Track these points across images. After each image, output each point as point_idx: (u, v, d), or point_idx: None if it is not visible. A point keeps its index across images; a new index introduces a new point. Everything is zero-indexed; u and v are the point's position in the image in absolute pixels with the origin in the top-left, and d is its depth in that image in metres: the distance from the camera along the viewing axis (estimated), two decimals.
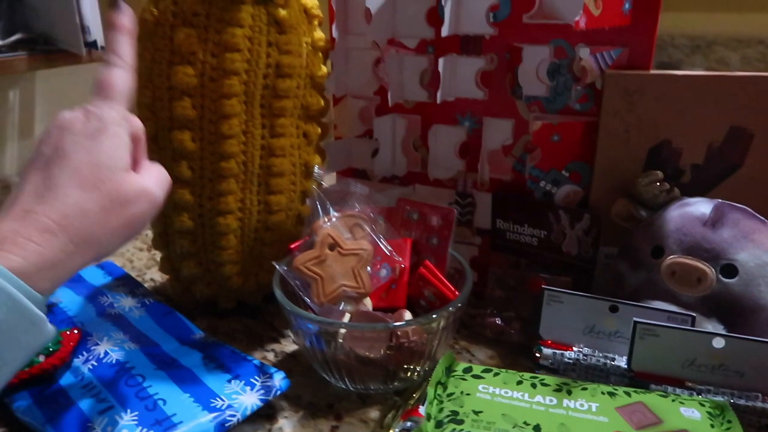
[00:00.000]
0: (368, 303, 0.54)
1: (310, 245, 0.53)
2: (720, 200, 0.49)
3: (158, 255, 0.66)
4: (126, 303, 0.62)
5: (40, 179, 0.37)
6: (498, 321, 0.59)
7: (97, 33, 0.94)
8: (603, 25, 0.49)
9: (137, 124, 0.42)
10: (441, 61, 0.56)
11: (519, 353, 0.56)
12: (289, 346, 0.60)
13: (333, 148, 0.67)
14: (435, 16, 0.58)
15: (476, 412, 0.43)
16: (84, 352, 0.53)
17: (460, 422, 0.42)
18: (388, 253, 0.55)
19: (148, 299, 0.63)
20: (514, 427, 0.41)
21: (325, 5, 0.61)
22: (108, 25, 0.43)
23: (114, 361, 0.51)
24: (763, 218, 0.48)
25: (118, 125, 0.40)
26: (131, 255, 0.80)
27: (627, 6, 0.51)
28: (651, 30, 0.51)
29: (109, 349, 0.53)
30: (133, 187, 0.39)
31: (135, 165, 0.41)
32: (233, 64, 0.52)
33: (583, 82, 0.54)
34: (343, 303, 0.52)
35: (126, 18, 0.43)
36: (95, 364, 0.51)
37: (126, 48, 0.43)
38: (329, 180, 0.72)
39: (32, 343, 0.34)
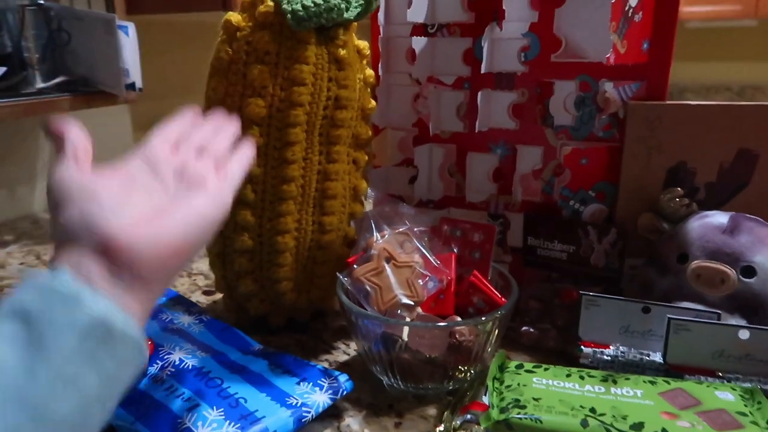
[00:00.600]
0: (420, 312, 0.59)
1: (367, 259, 0.58)
2: (734, 212, 0.56)
3: (199, 279, 0.70)
4: (184, 320, 0.66)
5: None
6: (533, 330, 0.64)
7: (135, 75, 1.00)
8: (626, 61, 0.57)
9: None
10: (479, 95, 0.63)
11: (557, 358, 0.61)
12: (341, 356, 0.64)
13: (373, 175, 0.73)
14: (470, 56, 0.65)
15: (536, 399, 0.47)
16: (158, 361, 0.57)
17: (523, 407, 0.46)
18: (436, 266, 0.60)
19: (204, 316, 0.67)
20: (572, 410, 0.46)
21: (370, 46, 0.68)
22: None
23: (190, 367, 0.55)
24: None
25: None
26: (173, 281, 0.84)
27: (645, 45, 0.59)
28: (666, 66, 0.59)
29: (183, 357, 0.57)
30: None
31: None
32: (300, 97, 0.58)
33: (606, 111, 0.61)
34: (399, 310, 0.57)
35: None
36: (173, 370, 0.55)
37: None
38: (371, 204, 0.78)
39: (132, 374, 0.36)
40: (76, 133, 0.41)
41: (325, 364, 0.62)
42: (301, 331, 0.69)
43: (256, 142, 0.58)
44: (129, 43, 0.96)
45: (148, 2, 1.06)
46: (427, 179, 0.72)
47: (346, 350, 0.65)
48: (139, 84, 1.01)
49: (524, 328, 0.65)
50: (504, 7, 0.59)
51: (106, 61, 0.97)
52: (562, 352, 0.62)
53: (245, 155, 0.48)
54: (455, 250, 0.64)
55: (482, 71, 0.62)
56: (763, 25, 2.82)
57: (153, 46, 1.30)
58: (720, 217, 0.55)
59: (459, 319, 0.58)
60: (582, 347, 0.56)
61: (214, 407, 0.49)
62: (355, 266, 0.58)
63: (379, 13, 0.67)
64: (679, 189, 0.59)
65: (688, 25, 2.96)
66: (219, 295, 0.76)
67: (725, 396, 0.48)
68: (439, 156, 0.71)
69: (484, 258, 0.62)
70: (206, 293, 0.79)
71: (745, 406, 0.47)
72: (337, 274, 0.57)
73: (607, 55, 0.53)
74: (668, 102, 0.59)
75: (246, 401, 0.50)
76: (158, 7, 1.07)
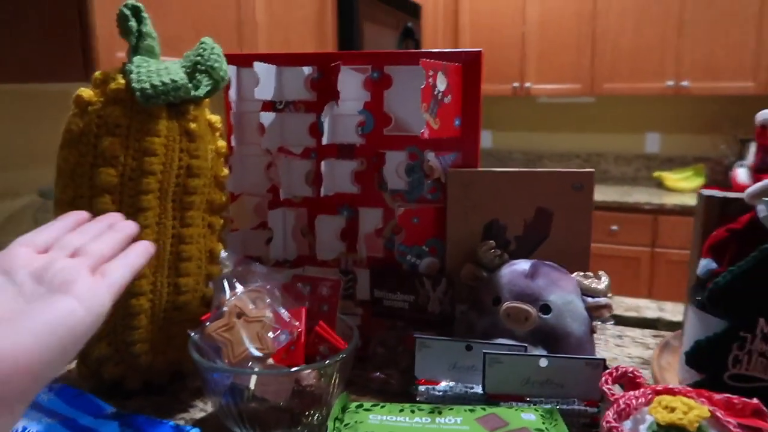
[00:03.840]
0: (272, 363, 0.63)
1: (219, 316, 0.62)
2: (535, 260, 0.66)
3: None
4: None
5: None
6: (380, 375, 0.70)
7: None
8: (441, 135, 0.67)
9: None
10: (323, 164, 0.71)
11: (400, 398, 0.67)
12: (197, 413, 0.66)
13: (232, 238, 0.77)
14: (315, 129, 0.73)
15: None
16: None
17: None
18: (286, 320, 0.65)
19: (54, 384, 0.66)
20: None
21: (224, 119, 0.74)
22: None
23: None
24: (564, 270, 0.66)
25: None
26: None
27: (457, 122, 0.70)
28: (475, 139, 0.70)
29: (26, 424, 0.56)
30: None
31: None
32: (151, 166, 0.62)
33: (431, 177, 0.71)
34: (250, 363, 0.61)
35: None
36: None
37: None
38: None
39: None
40: None
41: (181, 422, 0.64)
42: (159, 393, 0.70)
43: (108, 209, 0.62)
44: None
45: (5, 71, 1.06)
46: (282, 240, 0.77)
47: (204, 407, 0.67)
48: None
49: (373, 374, 0.70)
50: (339, 89, 0.67)
51: None
52: (405, 392, 0.68)
53: (137, 254, 0.45)
54: (306, 304, 0.69)
55: (324, 143, 0.69)
56: (599, 102, 3.25)
57: (11, 114, 1.28)
58: (524, 264, 0.66)
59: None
60: (418, 386, 0.63)
61: None
62: (207, 323, 0.62)
63: (230, 90, 0.74)
64: (492, 242, 0.69)
65: (539, 100, 3.34)
66: (72, 364, 0.75)
67: (528, 417, 0.56)
68: (292, 219, 0.77)
69: (332, 310, 0.68)
70: None
71: (543, 423, 0.55)
72: (188, 331, 0.60)
73: (422, 130, 0.63)
74: (479, 169, 0.70)
75: None
76: (16, 77, 1.07)
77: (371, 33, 2.04)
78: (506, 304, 0.63)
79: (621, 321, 1.00)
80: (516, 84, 3.05)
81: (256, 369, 0.60)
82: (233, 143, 0.75)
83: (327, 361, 0.58)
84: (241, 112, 0.75)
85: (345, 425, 0.55)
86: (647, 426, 0.48)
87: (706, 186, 2.99)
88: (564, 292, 0.63)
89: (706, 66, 2.77)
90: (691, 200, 2.74)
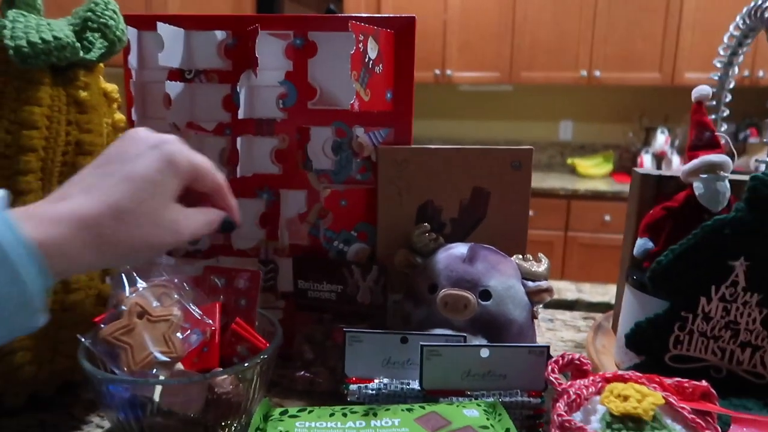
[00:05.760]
0: (181, 368, 0.55)
1: (116, 316, 0.53)
2: (473, 243, 0.62)
3: None
4: None
5: (91, 177, 0.41)
6: (306, 374, 0.64)
7: None
8: (372, 108, 0.61)
9: (206, 173, 0.46)
10: (239, 141, 0.63)
11: (330, 398, 0.61)
12: (93, 430, 0.57)
13: None
14: (230, 103, 0.65)
15: None
16: None
17: None
18: (198, 318, 0.57)
19: None
20: None
21: (122, 89, 0.65)
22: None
23: None
24: (504, 254, 0.62)
25: (174, 160, 0.43)
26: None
27: (389, 95, 0.64)
28: (408, 113, 0.65)
29: None
30: (167, 217, 0.42)
31: (188, 200, 0.45)
32: (31, 141, 0.52)
33: (361, 156, 0.65)
34: (155, 369, 0.52)
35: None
36: None
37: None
38: None
39: (18, 326, 0.36)
40: None
41: None
42: (45, 409, 0.60)
43: None
44: None
45: None
46: None
47: (101, 423, 0.58)
48: None
49: (298, 373, 0.64)
50: (257, 56, 0.60)
51: None
52: (334, 393, 0.62)
53: None
54: (221, 299, 0.61)
55: (239, 117, 0.61)
56: (517, 90, 3.31)
57: None
58: (461, 248, 0.61)
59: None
60: (348, 385, 0.57)
61: None
62: (102, 326, 0.53)
63: (130, 56, 0.64)
64: (427, 225, 0.64)
65: (460, 88, 3.35)
66: None
67: (471, 413, 0.51)
68: None
69: (250, 304, 0.60)
70: None
71: (488, 419, 0.50)
72: (78, 336, 0.51)
73: (352, 102, 0.57)
74: (412, 146, 0.64)
75: None
76: None
77: (292, 11, 1.95)
78: (443, 292, 0.58)
79: (546, 305, 0.99)
80: (437, 71, 3.04)
81: (162, 377, 0.51)
82: (134, 117, 0.65)
83: (246, 364, 0.51)
84: (143, 82, 0.66)
85: None
86: (600, 417, 0.45)
87: (614, 172, 3.13)
88: (504, 277, 0.59)
89: (617, 57, 2.88)
90: (601, 185, 2.85)
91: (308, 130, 0.65)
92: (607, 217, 2.78)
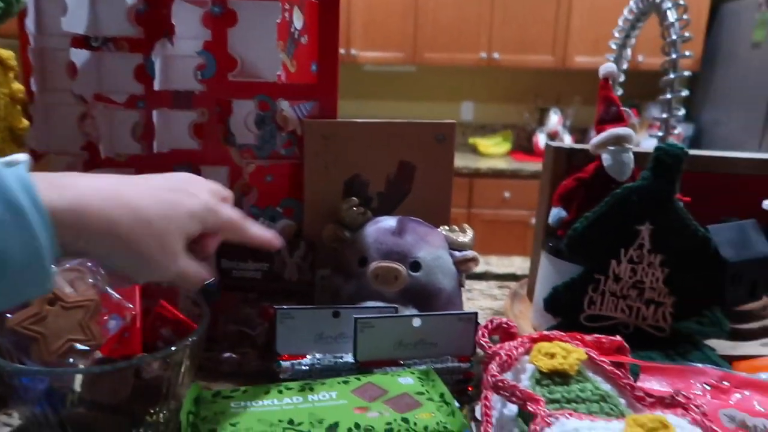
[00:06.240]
0: (99, 356, 0.52)
1: (26, 304, 0.49)
2: (401, 216, 0.63)
3: None
4: None
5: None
6: (233, 356, 0.62)
7: None
8: (298, 80, 0.59)
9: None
10: (155, 114, 0.59)
11: (260, 378, 0.60)
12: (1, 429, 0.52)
13: None
14: (143, 73, 0.61)
15: (233, 424, 0.45)
16: None
17: None
18: (116, 301, 0.54)
19: None
20: (270, 426, 0.45)
21: (19, 57, 0.59)
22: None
23: None
24: (431, 225, 0.63)
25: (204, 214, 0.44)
26: None
27: (314, 67, 0.63)
28: (333, 86, 0.64)
29: None
30: (171, 249, 0.42)
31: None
32: None
33: (286, 129, 0.64)
34: (72, 358, 0.49)
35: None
36: None
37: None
38: None
39: (28, 289, 0.35)
40: None
41: None
42: None
43: None
44: None
45: None
46: None
47: (8, 421, 0.53)
48: None
49: (225, 354, 0.62)
50: (174, 23, 0.56)
51: None
52: (265, 372, 0.61)
53: None
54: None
55: (155, 89, 0.58)
56: (420, 71, 3.36)
57: None
58: (390, 221, 0.62)
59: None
60: (281, 362, 0.56)
61: None
62: (8, 315, 0.48)
63: (27, 20, 0.58)
64: (355, 199, 0.64)
65: (364, 68, 3.35)
66: None
67: (406, 381, 0.53)
68: None
69: (173, 286, 0.57)
70: None
71: (422, 386, 0.52)
72: None
73: (278, 73, 0.55)
74: (339, 120, 0.64)
75: None
76: None
77: None
78: (374, 264, 0.59)
79: None
80: (342, 50, 3.02)
81: (81, 366, 0.48)
82: (33, 87, 0.59)
83: (174, 347, 0.49)
84: (44, 49, 0.60)
85: (203, 419, 0.46)
86: (529, 375, 0.47)
87: (512, 151, 3.28)
88: (432, 248, 0.60)
89: (514, 40, 3.00)
90: (500, 164, 2.98)
91: (229, 103, 0.62)
92: (507, 194, 2.91)
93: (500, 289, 0.93)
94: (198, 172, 0.64)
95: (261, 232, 0.49)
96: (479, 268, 1.15)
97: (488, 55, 3.02)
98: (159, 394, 0.50)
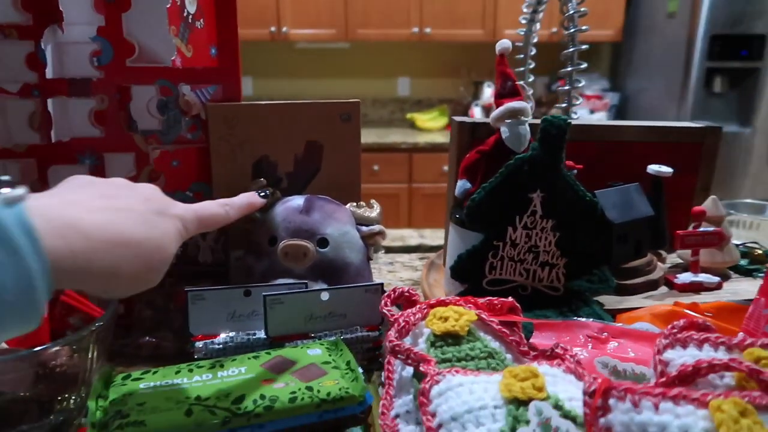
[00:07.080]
0: (4, 346, 0.52)
1: None
2: (309, 195, 0.64)
3: None
4: None
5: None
6: (151, 340, 0.63)
7: None
8: (196, 64, 0.60)
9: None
10: (50, 103, 0.59)
11: (177, 360, 0.61)
12: None
13: None
14: (35, 61, 0.60)
15: (140, 404, 0.46)
16: None
17: (126, 416, 0.45)
18: None
19: None
20: (177, 404, 0.46)
21: None
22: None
23: None
24: (338, 202, 0.65)
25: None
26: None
27: (213, 51, 0.63)
28: (235, 69, 0.64)
29: None
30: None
31: None
32: None
33: (190, 114, 0.64)
34: None
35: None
36: None
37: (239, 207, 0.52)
38: None
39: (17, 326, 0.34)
40: None
41: None
42: None
43: None
44: None
45: None
46: None
47: None
48: None
49: (141, 340, 0.63)
50: (62, 9, 0.55)
51: None
52: (181, 353, 0.62)
53: None
54: None
55: (48, 77, 0.57)
56: (354, 48, 3.35)
57: None
58: (298, 200, 0.63)
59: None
60: (194, 343, 0.57)
61: None
62: None
63: None
64: (264, 180, 0.65)
65: (297, 46, 3.31)
66: None
67: (315, 352, 0.55)
68: (16, 173, 0.63)
69: None
70: None
71: (330, 355, 0.54)
72: None
73: (173, 58, 0.55)
74: (242, 102, 0.65)
75: None
76: None
77: None
78: (283, 243, 0.60)
79: (389, 250, 1.06)
80: (273, 28, 2.97)
81: None
82: None
83: (79, 333, 0.49)
84: None
85: (111, 402, 0.47)
86: (425, 338, 0.51)
87: (449, 125, 3.34)
88: (339, 224, 0.63)
89: (445, 14, 3.03)
90: (439, 138, 3.02)
91: (129, 89, 0.62)
92: (445, 168, 2.96)
93: (421, 261, 0.97)
94: (102, 160, 0.64)
95: (241, 204, 0.52)
96: (413, 241, 1.18)
97: (420, 30, 3.04)
98: (67, 382, 0.50)
